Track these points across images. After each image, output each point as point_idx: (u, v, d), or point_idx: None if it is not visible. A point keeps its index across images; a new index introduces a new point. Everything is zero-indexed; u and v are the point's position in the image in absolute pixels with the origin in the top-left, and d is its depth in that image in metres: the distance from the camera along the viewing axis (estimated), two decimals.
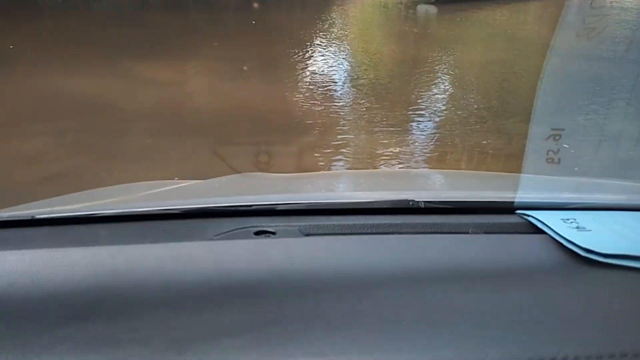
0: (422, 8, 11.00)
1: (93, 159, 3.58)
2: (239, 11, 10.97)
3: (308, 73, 6.14)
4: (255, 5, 11.81)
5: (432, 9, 10.86)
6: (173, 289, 0.59)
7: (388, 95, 5.37)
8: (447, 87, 5.80)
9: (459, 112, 4.87)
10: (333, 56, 6.99)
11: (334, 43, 7.85)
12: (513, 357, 0.50)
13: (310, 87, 5.60)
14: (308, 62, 6.69)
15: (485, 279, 0.65)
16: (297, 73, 6.18)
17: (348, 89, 5.67)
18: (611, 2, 9.34)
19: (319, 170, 3.42)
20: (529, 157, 1.50)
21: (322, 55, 7.02)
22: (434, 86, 5.83)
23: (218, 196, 1.09)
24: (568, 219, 0.76)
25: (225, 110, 4.74)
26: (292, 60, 6.72)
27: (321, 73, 6.13)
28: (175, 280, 0.61)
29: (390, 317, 0.56)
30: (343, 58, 7.09)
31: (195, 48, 7.03)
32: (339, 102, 5.11)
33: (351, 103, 5.16)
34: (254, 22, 9.27)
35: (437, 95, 5.47)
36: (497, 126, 4.29)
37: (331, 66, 6.48)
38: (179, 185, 1.29)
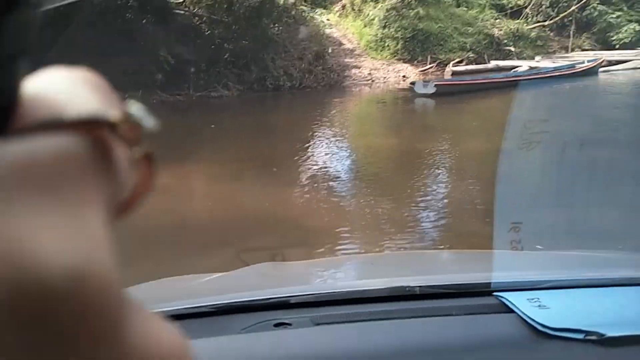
0: (419, 101, 11.25)
1: None
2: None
3: (310, 172, 6.02)
4: (254, 105, 12.19)
5: (430, 102, 11.08)
6: None
7: (390, 191, 5.19)
8: (448, 182, 5.63)
9: (460, 209, 4.65)
10: (335, 154, 6.93)
11: (336, 140, 7.84)
12: None
13: (313, 185, 5.46)
14: (310, 160, 6.61)
15: (467, 357, 0.80)
16: (299, 171, 6.07)
17: (351, 187, 5.52)
18: None
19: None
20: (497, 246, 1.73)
21: (324, 154, 6.96)
22: (435, 181, 5.66)
23: (241, 289, 1.20)
24: (533, 299, 0.92)
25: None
26: (295, 158, 6.65)
27: (323, 172, 6.02)
28: None
29: None
30: (345, 155, 7.02)
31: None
32: (342, 202, 4.92)
33: (354, 201, 4.97)
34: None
35: (439, 191, 5.27)
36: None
37: (333, 165, 6.38)
38: (205, 280, 1.44)
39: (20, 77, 0.15)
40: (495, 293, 0.96)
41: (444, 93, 11.04)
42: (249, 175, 5.99)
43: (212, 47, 14.55)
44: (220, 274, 1.47)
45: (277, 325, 0.89)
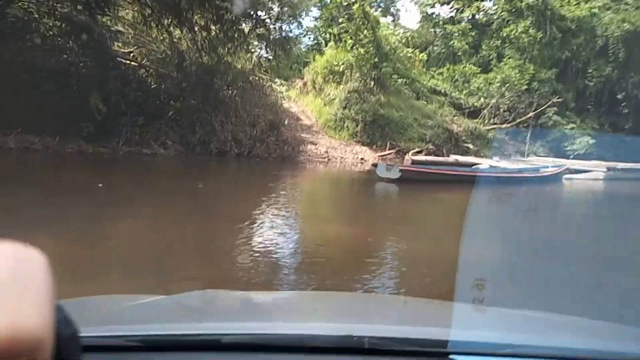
0: (380, 185, 10.00)
1: None
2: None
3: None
4: (189, 167, 10.47)
5: (392, 187, 9.85)
6: None
7: None
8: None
9: None
10: (270, 246, 5.06)
11: (279, 224, 6.12)
12: None
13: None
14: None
15: None
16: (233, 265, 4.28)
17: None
18: None
19: None
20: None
21: (253, 242, 5.16)
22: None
23: (177, 317, 1.10)
24: None
25: None
26: (233, 248, 4.82)
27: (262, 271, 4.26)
28: None
29: None
30: (285, 249, 5.07)
31: None
32: None
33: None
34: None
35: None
36: None
37: (259, 264, 4.47)
38: (136, 302, 1.27)
39: None
40: (452, 356, 0.84)
41: (407, 180, 9.89)
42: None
43: (157, 102, 13.06)
44: (160, 297, 1.33)
45: None
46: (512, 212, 7.92)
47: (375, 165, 10.86)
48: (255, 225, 5.95)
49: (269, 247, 4.97)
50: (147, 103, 12.51)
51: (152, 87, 13.43)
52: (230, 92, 13.22)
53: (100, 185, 7.17)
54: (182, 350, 0.82)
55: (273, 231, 5.66)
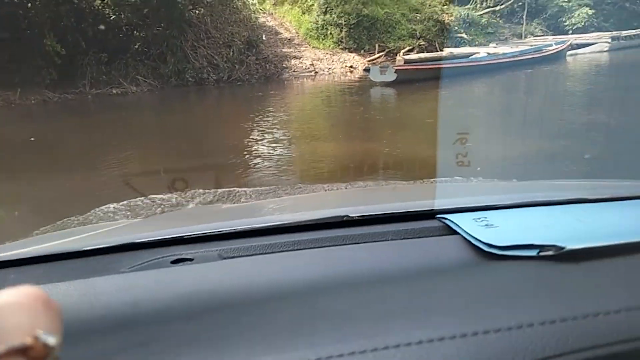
0: (376, 91, 9.19)
1: None
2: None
3: None
4: (163, 102, 9.64)
5: (389, 91, 9.06)
6: (75, 327, 0.55)
7: None
8: None
9: None
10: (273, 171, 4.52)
11: (266, 149, 5.46)
12: (437, 335, 0.51)
13: None
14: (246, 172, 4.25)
15: (401, 279, 0.64)
16: None
17: None
18: None
19: None
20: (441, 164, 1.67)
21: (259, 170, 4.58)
22: None
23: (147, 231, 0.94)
24: (479, 219, 0.79)
25: None
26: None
27: None
28: (78, 317, 0.57)
29: (308, 323, 0.53)
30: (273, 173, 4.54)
31: None
32: None
33: None
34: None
35: None
36: None
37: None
38: (117, 226, 1.21)
39: None
40: (438, 216, 0.82)
41: (404, 81, 9.07)
42: None
43: (120, 35, 11.88)
44: (133, 221, 1.28)
45: (176, 261, 0.69)
46: (522, 96, 7.22)
47: (367, 69, 9.99)
48: (248, 149, 5.34)
49: (264, 169, 4.44)
50: (108, 37, 11.36)
51: (111, 18, 12.15)
52: (197, 11, 11.95)
53: (32, 139, 6.32)
54: (155, 247, 0.74)
55: (268, 154, 5.06)
